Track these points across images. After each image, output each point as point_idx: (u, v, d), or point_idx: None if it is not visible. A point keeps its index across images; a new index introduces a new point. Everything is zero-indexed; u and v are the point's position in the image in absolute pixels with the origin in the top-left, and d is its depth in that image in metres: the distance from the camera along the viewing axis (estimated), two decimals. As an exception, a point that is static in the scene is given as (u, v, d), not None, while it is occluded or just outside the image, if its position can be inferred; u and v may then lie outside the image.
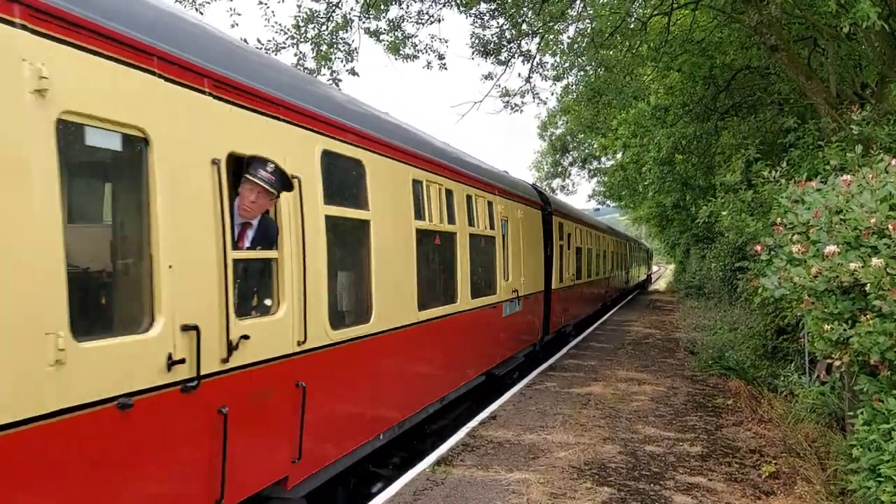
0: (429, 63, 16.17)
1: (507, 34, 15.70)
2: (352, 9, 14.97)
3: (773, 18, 9.73)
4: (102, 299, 4.06)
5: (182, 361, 3.88)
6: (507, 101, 17.65)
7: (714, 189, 12.62)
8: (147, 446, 3.71)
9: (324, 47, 14.82)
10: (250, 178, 4.59)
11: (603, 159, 41.20)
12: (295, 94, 5.34)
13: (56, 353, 3.08)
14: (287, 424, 4.98)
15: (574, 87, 19.66)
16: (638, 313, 26.24)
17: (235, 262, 4.40)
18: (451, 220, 8.62)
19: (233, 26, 15.62)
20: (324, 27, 14.77)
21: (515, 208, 11.88)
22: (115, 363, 3.47)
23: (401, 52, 15.62)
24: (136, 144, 3.72)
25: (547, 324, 14.40)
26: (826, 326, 4.92)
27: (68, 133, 3.34)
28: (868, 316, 4.60)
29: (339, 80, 15.21)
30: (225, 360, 4.24)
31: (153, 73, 3.80)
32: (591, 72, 17.28)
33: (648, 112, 19.93)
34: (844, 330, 4.76)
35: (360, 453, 6.30)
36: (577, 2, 14.71)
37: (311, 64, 14.89)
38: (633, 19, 14.42)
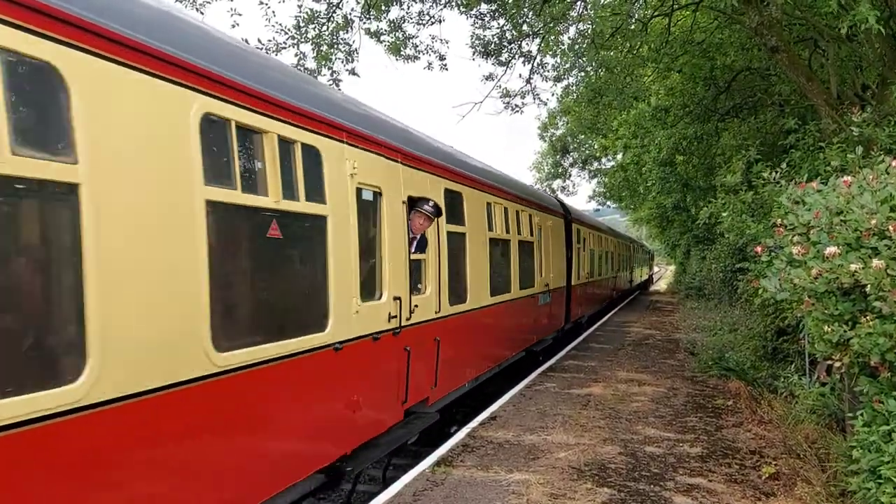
0: (429, 64, 16.20)
1: (508, 35, 15.72)
2: (352, 9, 14.98)
3: (773, 20, 9.74)
4: (367, 280, 6.48)
5: (395, 317, 6.83)
6: (508, 102, 17.68)
7: (714, 190, 12.63)
8: (382, 359, 6.70)
9: (324, 48, 14.82)
10: (420, 210, 7.44)
11: (603, 160, 41.22)
12: (436, 154, 8.52)
13: (356, 307, 6.00)
14: (430, 363, 7.94)
15: (574, 87, 19.69)
16: (638, 314, 26.23)
17: (411, 261, 7.31)
18: (507, 231, 11.29)
19: (233, 26, 15.64)
20: (324, 27, 14.78)
21: (546, 219, 14.38)
22: (370, 316, 6.33)
23: (402, 52, 15.63)
24: (377, 195, 6.69)
25: (568, 313, 17.08)
26: (826, 328, 4.92)
27: (359, 194, 6.20)
28: (868, 317, 4.60)
29: (340, 81, 15.23)
30: (408, 319, 7.16)
31: (384, 157, 6.83)
32: (592, 73, 17.29)
33: (649, 113, 19.95)
34: (845, 331, 4.76)
35: (460, 391, 9.38)
36: (578, 3, 14.73)
37: (311, 64, 14.91)
38: (633, 20, 14.43)
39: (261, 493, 4.70)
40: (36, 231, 3.39)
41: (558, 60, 17.54)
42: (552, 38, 16.23)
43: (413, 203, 7.37)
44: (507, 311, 11.29)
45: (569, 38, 16.89)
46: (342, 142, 5.83)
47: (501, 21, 15.57)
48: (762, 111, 15.98)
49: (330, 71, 15.12)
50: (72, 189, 3.23)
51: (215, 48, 4.56)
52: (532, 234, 13.01)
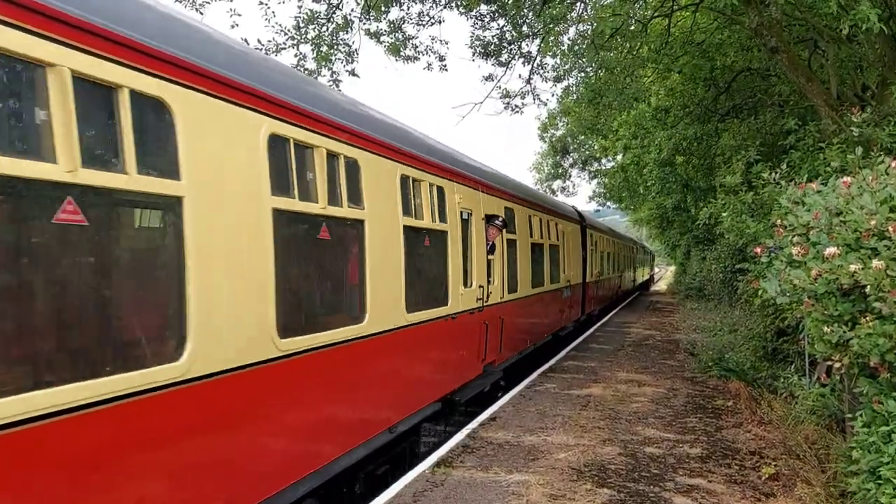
0: (429, 64, 16.20)
1: (508, 36, 15.72)
2: (352, 10, 14.98)
3: (773, 20, 9.74)
4: (465, 273, 9.10)
5: (480, 300, 9.53)
6: (508, 103, 17.68)
7: (714, 190, 12.62)
8: (473, 329, 9.38)
9: (324, 48, 14.82)
10: (493, 224, 10.16)
11: (603, 161, 41.18)
12: (499, 181, 11.42)
13: (461, 291, 8.78)
14: (497, 336, 10.52)
15: (574, 88, 19.69)
16: (638, 315, 26.23)
17: (488, 260, 10.03)
18: (541, 237, 14.05)
19: (233, 27, 15.65)
20: (324, 28, 14.78)
21: (567, 225, 17.22)
22: (467, 297, 9.04)
23: (401, 53, 15.64)
24: (469, 215, 9.28)
25: (584, 306, 19.69)
26: (826, 328, 4.91)
27: (461, 215, 8.87)
28: (868, 318, 4.60)
29: (340, 81, 15.23)
30: (486, 302, 9.80)
31: (472, 188, 9.52)
32: (592, 73, 17.29)
33: (649, 113, 19.94)
34: (844, 332, 4.76)
35: (512, 360, 12.08)
36: (578, 4, 14.73)
37: (311, 65, 14.91)
38: (633, 21, 14.43)
39: (415, 406, 7.67)
40: (153, 235, 4.16)
41: (558, 61, 17.56)
42: (552, 38, 16.22)
43: (488, 219, 10.17)
44: (543, 300, 14.25)
45: (568, 38, 16.90)
46: (453, 181, 8.77)
47: (501, 22, 15.59)
48: (762, 112, 15.97)
49: (330, 72, 15.12)
50: (177, 201, 3.92)
51: (295, 84, 5.69)
52: (558, 239, 15.72)
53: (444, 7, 15.26)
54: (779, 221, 5.99)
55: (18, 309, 3.22)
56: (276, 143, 4.92)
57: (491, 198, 10.44)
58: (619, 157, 33.28)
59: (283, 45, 14.38)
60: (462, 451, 7.59)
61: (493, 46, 15.75)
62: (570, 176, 46.17)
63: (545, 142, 43.66)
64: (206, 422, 4.23)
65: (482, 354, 9.86)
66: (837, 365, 5.08)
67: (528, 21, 15.30)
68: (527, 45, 16.28)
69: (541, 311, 14.11)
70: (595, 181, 46.79)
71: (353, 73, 15.49)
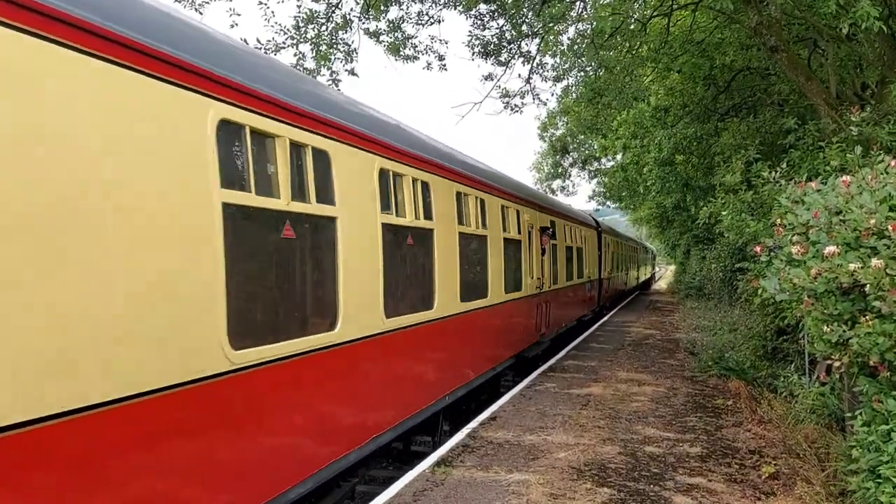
0: (429, 64, 16.20)
1: (508, 35, 15.71)
2: (351, 9, 14.98)
3: (772, 19, 9.74)
4: (530, 268, 13.12)
5: (538, 287, 13.54)
6: (507, 102, 17.67)
7: (714, 190, 12.62)
8: (534, 308, 13.46)
9: (323, 47, 14.82)
10: (545, 233, 13.95)
11: (603, 160, 41.18)
12: (546, 201, 15.47)
13: (528, 281, 12.87)
14: (545, 315, 14.35)
15: (574, 87, 19.68)
16: (637, 314, 26.23)
17: (541, 260, 13.98)
18: (572, 241, 17.76)
19: (232, 26, 15.66)
20: (323, 27, 14.78)
21: (588, 231, 21.20)
22: (532, 285, 13.13)
23: (401, 52, 15.63)
24: (531, 227, 13.19)
25: (599, 298, 23.70)
26: (826, 327, 4.92)
27: (528, 227, 13.05)
28: (868, 317, 4.60)
29: (339, 81, 15.23)
30: (540, 290, 13.71)
31: (534, 210, 13.64)
32: (592, 73, 17.28)
33: (648, 113, 19.93)
34: (844, 331, 4.76)
35: (552, 336, 15.19)
36: (578, 3, 14.72)
37: (310, 64, 14.90)
38: (633, 20, 14.42)
39: (504, 357, 11.47)
40: (322, 245, 5.72)
41: (558, 60, 17.55)
42: (551, 38, 16.22)
43: (542, 230, 13.92)
44: (574, 290, 18.26)
45: (568, 38, 16.90)
46: (525, 206, 12.75)
47: (501, 21, 15.58)
48: (761, 111, 15.97)
49: (329, 71, 15.12)
50: (333, 220, 5.68)
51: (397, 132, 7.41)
52: (582, 243, 19.47)
53: (444, 6, 15.25)
54: (778, 220, 6.00)
55: (264, 292, 5.06)
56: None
57: (543, 215, 14.32)
58: (619, 157, 33.29)
59: (282, 45, 14.38)
60: (462, 451, 7.59)
61: (492, 46, 15.75)
62: (569, 175, 46.21)
63: (545, 141, 43.68)
64: (343, 373, 6.05)
65: (539, 326, 13.92)
66: (837, 364, 5.08)
67: (527, 20, 15.30)
68: (526, 44, 16.28)
69: (572, 299, 18.19)
70: (595, 180, 46.82)
71: (352, 72, 15.48)
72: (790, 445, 7.55)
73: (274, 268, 5.26)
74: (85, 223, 3.34)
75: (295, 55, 14.76)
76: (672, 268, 62.40)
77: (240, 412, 4.54)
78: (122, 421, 3.52)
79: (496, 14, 15.40)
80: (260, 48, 13.37)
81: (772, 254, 6.06)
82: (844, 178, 5.47)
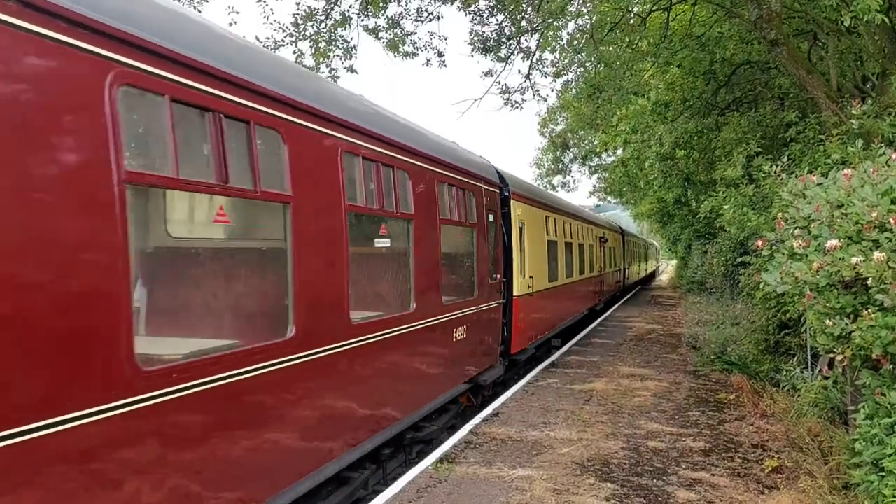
0: (428, 61, 16.16)
1: (507, 31, 15.68)
2: (350, 6, 14.95)
3: (772, 13, 9.71)
4: (601, 261, 23.71)
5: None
6: (507, 98, 17.65)
7: (715, 184, 12.61)
8: (593, 287, 21.68)
9: (322, 45, 14.80)
10: (602, 241, 23.78)
11: (603, 155, 41.10)
12: (606, 222, 27.73)
13: (579, 272, 19.16)
14: (600, 290, 23.69)
15: (574, 83, 19.65)
16: (640, 309, 26.22)
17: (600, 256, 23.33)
18: (612, 243, 26.30)
19: (231, 24, 15.61)
20: (322, 24, 14.75)
21: (615, 234, 28.74)
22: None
23: (400, 49, 15.61)
24: (601, 238, 24.08)
25: (624, 282, 33.26)
26: (828, 321, 4.91)
27: (600, 239, 23.84)
28: (870, 310, 4.59)
29: (338, 77, 15.21)
30: (600, 273, 23.36)
31: (598, 228, 23.89)
32: (591, 68, 17.25)
33: (649, 108, 19.89)
34: (846, 325, 4.75)
35: (606, 300, 25.44)
36: (577, -2, 14.69)
37: (309, 62, 14.88)
38: (632, 15, 14.39)
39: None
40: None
41: (557, 56, 17.53)
42: (551, 34, 16.18)
43: (599, 238, 22.13)
44: (612, 275, 27.00)
45: (567, 33, 16.86)
46: (602, 228, 23.07)
47: (500, 17, 15.55)
48: (762, 105, 15.94)
49: (328, 68, 15.10)
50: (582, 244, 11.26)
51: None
52: (614, 243, 27.57)
53: (443, 2, 15.22)
54: (780, 214, 5.99)
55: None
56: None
57: (599, 228, 22.76)
58: (620, 152, 33.24)
59: (281, 43, 14.37)
60: (465, 447, 7.60)
61: (492, 42, 15.72)
62: (570, 171, 46.13)
63: (545, 137, 43.61)
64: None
65: (595, 299, 21.07)
66: (840, 358, 5.07)
67: (526, 16, 15.27)
68: (526, 40, 16.25)
69: (611, 279, 26.87)
70: (595, 176, 46.74)
71: (351, 69, 15.46)
72: (793, 439, 7.55)
73: None
74: None
75: (294, 52, 14.74)
76: (673, 263, 62.45)
77: None
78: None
79: (495, 10, 15.38)
80: (259, 44, 13.36)
81: (773, 248, 6.05)
82: (846, 171, 5.46)
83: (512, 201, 11.68)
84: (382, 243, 7.31)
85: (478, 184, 9.87)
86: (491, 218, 10.47)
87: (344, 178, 5.74)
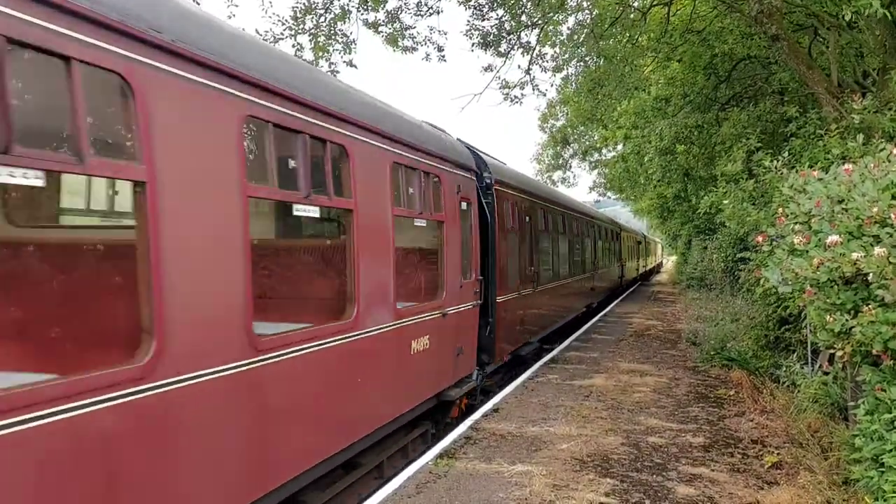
0: (427, 55, 16.12)
1: (507, 26, 15.63)
2: (349, 0, 14.89)
3: (773, 8, 9.67)
4: (629, 257, 36.87)
5: (621, 261, 31.46)
6: (507, 94, 17.61)
7: (715, 180, 12.58)
8: (612, 278, 28.05)
9: (321, 39, 14.75)
10: (636, 241, 38.00)
11: (604, 151, 41.06)
12: (636, 231, 44.02)
13: (619, 263, 31.64)
14: (621, 276, 32.32)
15: (574, 77, 19.59)
16: (639, 305, 26.22)
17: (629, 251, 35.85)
18: (639, 243, 41.66)
19: (230, 17, 15.54)
20: (321, 18, 14.70)
21: (636, 236, 40.40)
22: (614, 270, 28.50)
23: (399, 44, 15.56)
24: (639, 242, 43.47)
25: (646, 274, 48.60)
26: (828, 317, 4.90)
27: (637, 242, 41.66)
28: (870, 306, 4.58)
29: (337, 72, 15.17)
30: (623, 265, 33.09)
31: (633, 235, 39.21)
32: (591, 63, 17.21)
33: (649, 103, 19.85)
34: (847, 320, 4.74)
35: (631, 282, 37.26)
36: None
37: (308, 55, 14.84)
38: (633, 10, 14.34)
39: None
40: None
41: (557, 51, 17.48)
42: (551, 28, 16.14)
43: (637, 242, 35.43)
44: (635, 268, 39.23)
45: (568, 28, 16.82)
46: (636, 237, 36.33)
47: (500, 11, 15.49)
48: (762, 100, 15.90)
49: (328, 62, 15.06)
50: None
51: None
52: (635, 244, 37.84)
53: (443, -3, 15.17)
54: (780, 210, 5.97)
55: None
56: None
57: (637, 235, 38.58)
58: (620, 147, 33.20)
59: (280, 36, 14.32)
60: (465, 443, 7.59)
61: (492, 37, 15.66)
62: (570, 167, 46.09)
63: (545, 132, 43.55)
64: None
65: (618, 281, 28.30)
66: (840, 353, 5.07)
67: (526, 10, 15.22)
68: (526, 34, 16.19)
69: (632, 266, 36.28)
70: (595, 171, 46.71)
71: (350, 63, 15.41)
72: (793, 435, 7.54)
73: None
74: None
75: (293, 46, 14.69)
76: (673, 258, 62.77)
77: None
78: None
79: (495, 4, 15.32)
80: (258, 38, 13.31)
81: (774, 243, 6.04)
82: (847, 166, 5.44)
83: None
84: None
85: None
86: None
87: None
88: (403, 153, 6.97)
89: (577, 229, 18.79)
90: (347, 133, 5.74)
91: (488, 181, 10.07)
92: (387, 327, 6.41)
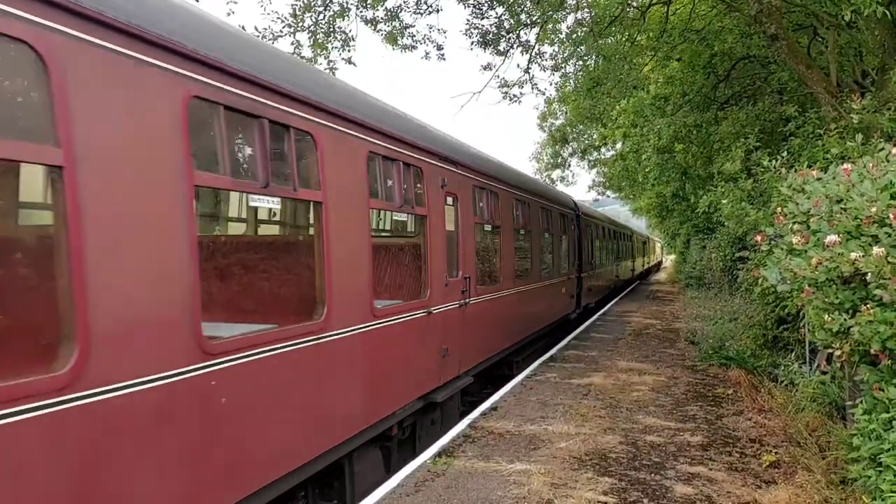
0: (427, 53, 16.12)
1: (506, 24, 15.63)
2: (349, -1, 14.88)
3: (772, 7, 9.68)
4: (642, 255, 48.27)
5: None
6: (506, 92, 17.60)
7: (713, 178, 12.59)
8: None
9: (320, 36, 14.74)
10: (645, 244, 50.22)
11: (603, 149, 41.07)
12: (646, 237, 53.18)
13: (638, 261, 44.18)
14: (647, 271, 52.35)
15: (573, 75, 19.58)
16: (638, 304, 26.24)
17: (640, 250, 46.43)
18: (647, 243, 52.48)
19: (229, 14, 15.58)
20: (321, 16, 14.69)
21: (641, 237, 46.02)
22: (629, 268, 37.25)
23: (399, 42, 15.55)
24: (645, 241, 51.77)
25: (651, 269, 56.18)
26: (827, 317, 4.91)
27: (642, 243, 48.93)
28: (869, 305, 4.59)
29: (336, 69, 15.16)
30: (639, 264, 44.92)
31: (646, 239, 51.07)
32: (590, 62, 17.21)
33: (648, 101, 19.84)
34: (845, 320, 4.75)
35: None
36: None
37: (307, 52, 14.83)
38: (632, 9, 14.34)
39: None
40: None
41: (556, 49, 17.48)
42: (550, 26, 16.13)
43: (643, 242, 39.91)
44: (644, 263, 47.63)
45: (567, 26, 16.81)
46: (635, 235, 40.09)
47: (499, 10, 15.49)
48: (761, 99, 15.90)
49: (327, 60, 15.05)
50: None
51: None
52: (642, 245, 45.40)
53: (442, -4, 15.15)
54: (779, 209, 5.98)
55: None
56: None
57: (642, 236, 45.45)
58: (619, 146, 33.19)
59: (279, 34, 14.31)
60: (463, 441, 7.60)
61: (491, 35, 15.66)
62: (569, 165, 46.11)
63: (544, 131, 43.55)
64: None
65: (633, 270, 36.42)
66: (838, 353, 5.08)
67: (526, 9, 15.22)
68: (525, 33, 16.19)
69: (651, 257, 54.55)
70: (594, 170, 46.72)
71: (349, 61, 15.40)
72: (791, 434, 7.56)
73: None
74: None
75: (292, 43, 14.68)
76: (672, 257, 63.44)
77: None
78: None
79: (494, 3, 15.32)
80: (257, 36, 13.32)
81: (772, 243, 6.04)
82: (845, 166, 5.45)
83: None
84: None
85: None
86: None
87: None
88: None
89: (618, 235, 31.13)
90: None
91: (578, 213, 18.92)
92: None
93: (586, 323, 19.13)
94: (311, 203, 5.43)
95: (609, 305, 25.16)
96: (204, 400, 4.04)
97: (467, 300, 9.06)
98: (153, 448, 3.67)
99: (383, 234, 8.12)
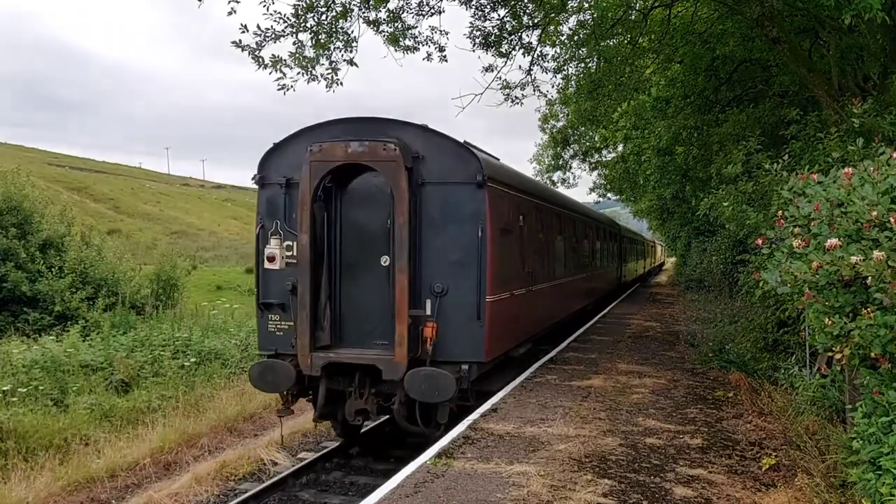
0: (429, 55, 16.09)
1: (508, 26, 15.63)
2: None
3: (774, 11, 9.69)
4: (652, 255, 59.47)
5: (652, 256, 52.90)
6: (508, 94, 17.59)
7: (713, 181, 12.60)
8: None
9: (322, 37, 14.72)
10: (659, 246, 66.19)
11: (604, 152, 41.10)
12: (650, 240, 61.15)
13: (649, 258, 55.22)
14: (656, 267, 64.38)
15: (574, 77, 19.57)
16: (638, 306, 26.24)
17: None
18: (652, 245, 58.15)
19: (230, 13, 15.53)
20: (323, 17, 14.67)
21: (647, 241, 51.82)
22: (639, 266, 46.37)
23: (400, 43, 15.54)
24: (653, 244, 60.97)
25: (653, 270, 59.05)
26: (827, 320, 4.91)
27: (650, 247, 57.97)
28: (869, 309, 4.60)
29: (338, 70, 15.14)
30: (648, 261, 55.41)
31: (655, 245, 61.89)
32: (591, 64, 17.21)
33: (649, 103, 19.87)
34: (845, 323, 4.75)
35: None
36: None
37: (309, 53, 14.80)
38: (634, 11, 14.36)
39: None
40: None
41: (558, 51, 17.46)
42: (552, 28, 16.14)
43: (629, 238, 37.57)
44: (649, 262, 53.24)
45: (569, 28, 16.81)
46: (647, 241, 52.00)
47: (502, 12, 15.48)
48: (763, 102, 15.92)
49: (329, 61, 15.02)
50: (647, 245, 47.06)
51: None
52: (649, 248, 52.05)
53: (444, -3, 15.13)
54: (780, 212, 5.98)
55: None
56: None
57: (648, 240, 51.37)
58: (620, 148, 33.24)
59: (280, 34, 14.28)
60: (463, 443, 7.60)
61: (493, 37, 15.65)
62: (570, 167, 46.11)
63: (546, 133, 43.55)
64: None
65: (643, 267, 44.72)
66: (838, 356, 5.08)
67: (528, 11, 15.22)
68: (527, 35, 16.18)
69: (658, 256, 64.71)
70: (595, 172, 46.74)
71: (351, 62, 15.37)
72: (790, 437, 7.56)
73: None
74: None
75: (294, 44, 14.66)
76: (672, 259, 64.94)
77: None
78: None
79: (497, 5, 15.31)
80: (259, 35, 13.40)
81: (773, 246, 6.05)
82: (846, 169, 5.45)
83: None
84: None
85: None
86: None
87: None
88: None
89: (637, 241, 40.82)
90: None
91: (619, 230, 29.13)
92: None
93: (586, 325, 19.14)
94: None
95: (609, 308, 25.17)
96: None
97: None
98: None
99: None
